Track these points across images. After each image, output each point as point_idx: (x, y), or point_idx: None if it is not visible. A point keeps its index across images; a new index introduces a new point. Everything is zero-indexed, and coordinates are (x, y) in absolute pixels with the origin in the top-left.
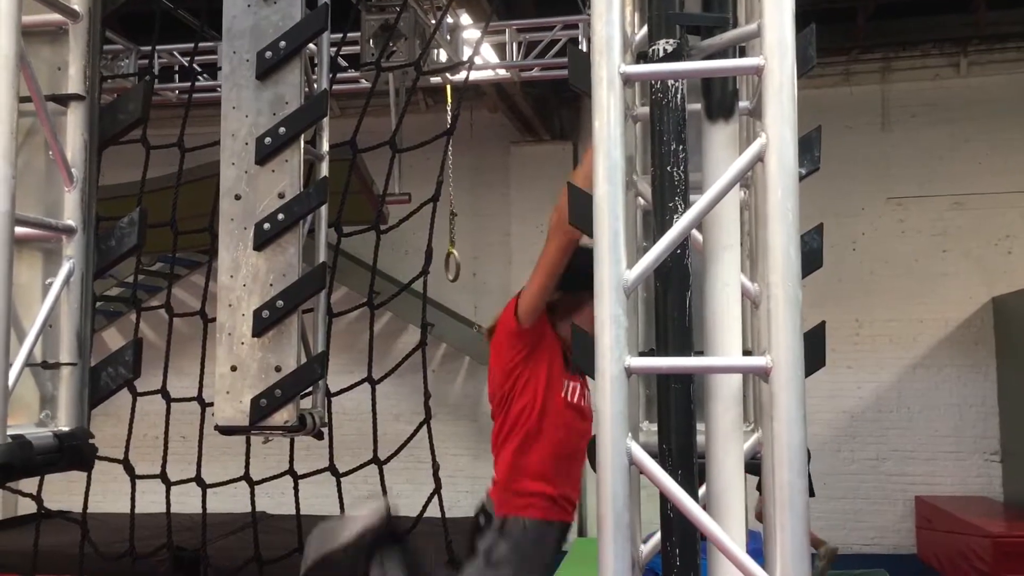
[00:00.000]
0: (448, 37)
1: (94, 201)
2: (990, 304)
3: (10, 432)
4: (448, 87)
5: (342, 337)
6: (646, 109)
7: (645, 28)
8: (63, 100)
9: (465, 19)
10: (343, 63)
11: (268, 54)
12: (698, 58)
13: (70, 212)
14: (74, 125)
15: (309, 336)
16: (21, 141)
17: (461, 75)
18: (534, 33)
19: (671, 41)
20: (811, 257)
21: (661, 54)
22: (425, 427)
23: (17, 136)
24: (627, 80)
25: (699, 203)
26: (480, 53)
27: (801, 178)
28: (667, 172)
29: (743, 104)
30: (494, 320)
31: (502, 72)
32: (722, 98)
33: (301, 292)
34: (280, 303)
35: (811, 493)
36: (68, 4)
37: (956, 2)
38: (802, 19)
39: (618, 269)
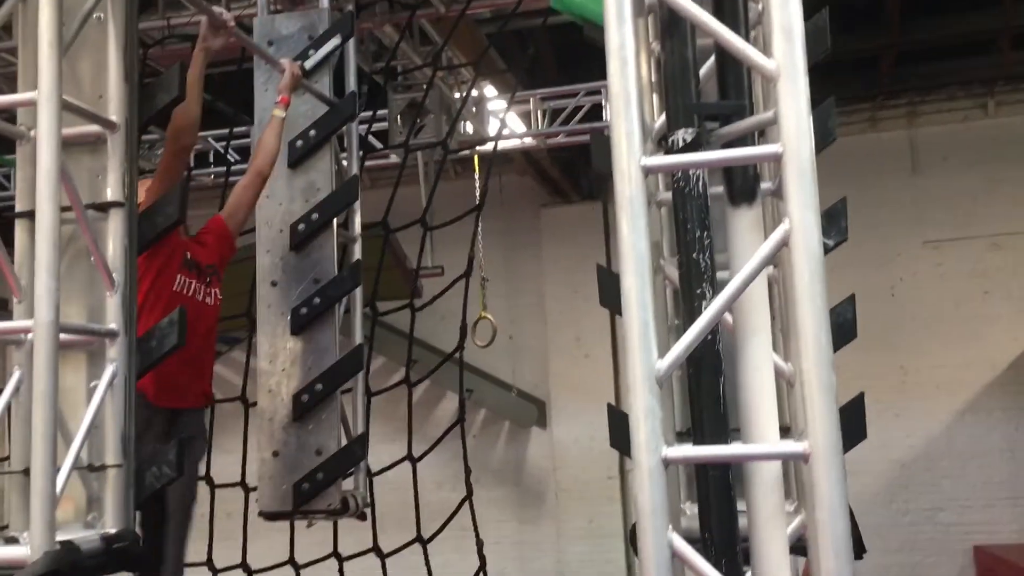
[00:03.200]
0: (474, 109)
1: (135, 303)
2: None
3: (58, 537)
4: (476, 157)
5: (382, 406)
6: (670, 194)
7: (664, 115)
8: (103, 207)
9: (490, 91)
10: (373, 141)
11: (299, 143)
12: (717, 145)
13: (112, 315)
14: (114, 231)
15: (349, 416)
16: (63, 248)
17: (489, 145)
18: (558, 100)
19: (690, 130)
20: (844, 328)
21: (681, 144)
22: (468, 501)
23: (60, 245)
24: (648, 172)
25: (727, 290)
26: (507, 124)
27: (829, 250)
28: (693, 259)
29: (765, 185)
30: None
31: (529, 140)
32: (743, 184)
33: (340, 374)
34: (319, 386)
35: (860, 553)
36: (106, 116)
37: (979, 44)
38: (824, 70)
39: (649, 359)
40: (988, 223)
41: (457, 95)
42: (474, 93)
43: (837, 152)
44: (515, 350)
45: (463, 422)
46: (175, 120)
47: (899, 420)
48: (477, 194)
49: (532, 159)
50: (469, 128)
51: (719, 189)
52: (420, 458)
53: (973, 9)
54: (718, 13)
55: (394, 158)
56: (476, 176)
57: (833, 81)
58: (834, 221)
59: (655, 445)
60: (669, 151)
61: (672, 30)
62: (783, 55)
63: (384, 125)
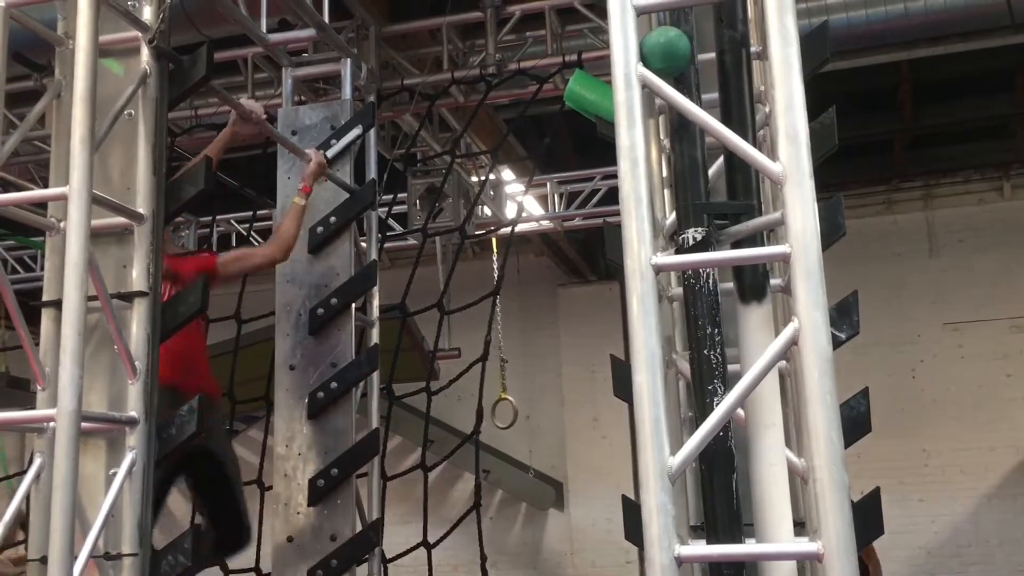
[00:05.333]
0: (491, 193)
1: (155, 391)
2: None
3: None
4: (494, 240)
5: (398, 487)
6: (681, 289)
7: (675, 214)
8: (128, 297)
9: (508, 174)
10: (393, 223)
11: (319, 229)
12: (727, 243)
13: (133, 403)
14: (138, 320)
15: (364, 501)
16: (88, 336)
17: (506, 228)
18: (575, 184)
19: (700, 230)
20: (858, 422)
21: (691, 242)
22: None
23: (84, 333)
24: (659, 270)
25: (738, 388)
26: (524, 208)
27: (841, 343)
28: (704, 356)
29: (775, 281)
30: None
31: (546, 222)
32: (753, 281)
33: (356, 460)
34: (335, 471)
35: None
36: (134, 208)
37: (993, 129)
38: (839, 154)
39: (662, 456)
40: (1008, 305)
41: (475, 179)
42: (492, 177)
43: (854, 234)
44: (532, 430)
45: (479, 507)
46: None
47: (923, 505)
48: (495, 276)
49: (549, 240)
50: (487, 211)
51: (730, 285)
52: (435, 544)
53: (985, 95)
54: (726, 117)
55: (412, 240)
56: (494, 257)
57: (849, 165)
58: (845, 315)
59: (668, 543)
60: (680, 248)
61: (682, 133)
62: (789, 159)
63: (404, 208)
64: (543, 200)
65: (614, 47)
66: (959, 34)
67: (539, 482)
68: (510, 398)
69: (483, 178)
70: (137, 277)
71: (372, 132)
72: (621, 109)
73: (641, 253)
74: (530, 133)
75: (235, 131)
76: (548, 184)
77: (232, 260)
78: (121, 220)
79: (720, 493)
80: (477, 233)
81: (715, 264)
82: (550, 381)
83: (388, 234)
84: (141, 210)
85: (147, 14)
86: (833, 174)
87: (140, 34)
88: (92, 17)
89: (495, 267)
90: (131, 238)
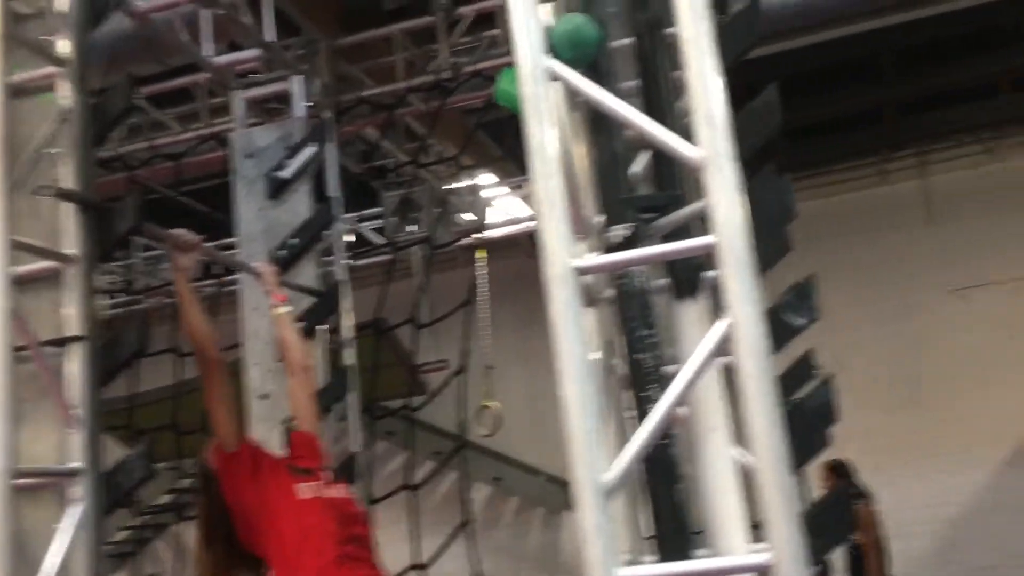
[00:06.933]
0: (470, 198)
1: (99, 438)
2: None
3: None
4: (477, 248)
5: (409, 503)
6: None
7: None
8: (62, 343)
9: (484, 179)
10: (374, 238)
11: (282, 252)
12: (657, 239)
13: (76, 453)
14: (75, 366)
15: None
16: (29, 385)
17: (491, 233)
18: None
19: (626, 226)
20: (822, 413)
21: (619, 240)
22: None
23: (20, 385)
24: (583, 273)
25: (670, 392)
26: (488, 208)
27: (802, 329)
28: (638, 360)
29: (712, 274)
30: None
31: (531, 223)
32: (685, 276)
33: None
34: None
35: None
36: (60, 251)
37: (982, 89)
38: (827, 128)
39: (595, 472)
40: (1014, 268)
41: (455, 186)
42: (470, 182)
43: (849, 209)
44: (540, 434)
45: (469, 523)
46: (191, 341)
47: (944, 476)
48: (477, 284)
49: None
50: (471, 217)
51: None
52: (429, 565)
53: (970, 56)
54: (648, 105)
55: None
56: (477, 265)
57: (837, 139)
58: (804, 299)
59: (608, 566)
60: (608, 248)
61: (598, 125)
62: (708, 143)
63: (380, 223)
64: (528, 200)
65: (517, 39)
66: None
67: (552, 485)
68: (492, 404)
69: (455, 184)
70: (72, 321)
71: (331, 148)
72: (530, 105)
73: (560, 257)
74: (507, 133)
75: (179, 267)
76: (524, 185)
77: (296, 412)
78: (50, 264)
79: (664, 505)
80: (446, 243)
81: (637, 262)
82: (553, 383)
83: (360, 250)
84: (70, 251)
85: (63, 48)
86: (822, 149)
87: (57, 69)
88: (2, 56)
89: (476, 275)
90: (63, 282)
